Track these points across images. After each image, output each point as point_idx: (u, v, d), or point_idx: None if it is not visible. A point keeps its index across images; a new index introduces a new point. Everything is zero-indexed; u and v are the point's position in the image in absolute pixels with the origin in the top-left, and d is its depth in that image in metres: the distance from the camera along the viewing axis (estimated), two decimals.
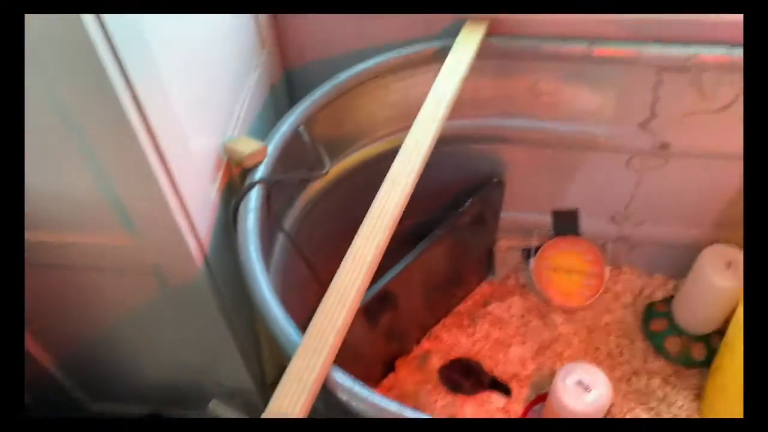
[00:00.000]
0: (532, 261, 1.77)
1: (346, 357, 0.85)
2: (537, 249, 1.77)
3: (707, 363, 1.64)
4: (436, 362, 1.68)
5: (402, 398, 1.65)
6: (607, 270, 1.73)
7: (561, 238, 1.75)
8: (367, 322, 1.48)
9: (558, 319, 1.75)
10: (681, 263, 1.73)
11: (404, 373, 1.68)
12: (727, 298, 1.54)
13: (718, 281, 1.51)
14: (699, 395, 1.60)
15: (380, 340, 1.61)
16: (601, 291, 1.72)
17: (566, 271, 1.74)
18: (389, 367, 1.70)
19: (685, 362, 1.65)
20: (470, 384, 1.66)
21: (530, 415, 1.64)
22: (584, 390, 1.40)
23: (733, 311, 1.55)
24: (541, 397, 1.65)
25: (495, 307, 1.79)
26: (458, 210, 1.55)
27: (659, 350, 1.68)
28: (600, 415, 1.41)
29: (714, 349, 1.63)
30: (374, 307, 1.46)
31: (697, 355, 1.66)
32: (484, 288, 1.85)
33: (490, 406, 1.65)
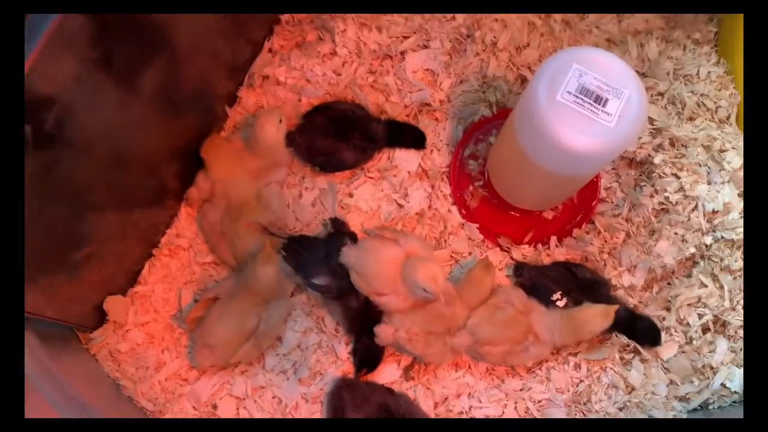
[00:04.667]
0: None
1: None
2: None
3: None
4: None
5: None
6: None
7: None
8: None
9: None
10: None
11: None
12: None
13: None
14: None
15: None
16: None
17: None
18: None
19: None
20: (353, 149, 0.89)
21: (459, 164, 0.93)
22: (595, 104, 0.67)
23: None
24: (477, 127, 0.93)
25: None
26: None
27: None
28: (620, 149, 0.71)
29: None
30: None
31: None
32: None
33: (393, 177, 0.92)
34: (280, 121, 0.84)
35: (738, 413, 0.81)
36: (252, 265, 0.80)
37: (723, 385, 0.82)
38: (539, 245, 0.90)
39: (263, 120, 0.84)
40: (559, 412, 0.81)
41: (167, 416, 0.81)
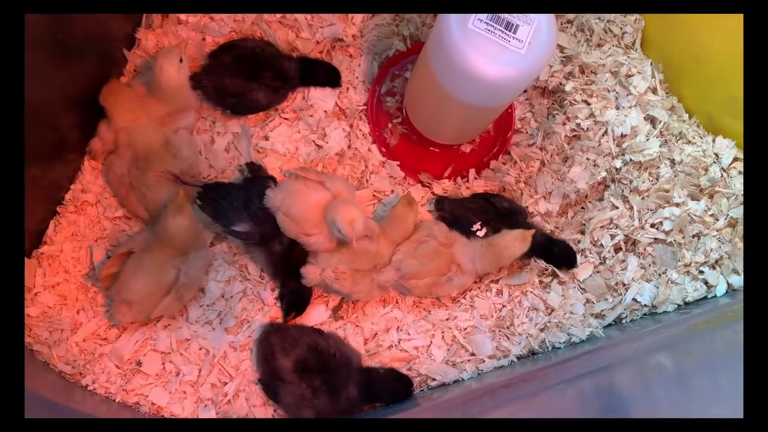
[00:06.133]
0: None
1: None
2: None
3: None
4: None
5: None
6: None
7: None
8: None
9: None
10: None
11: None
12: None
13: None
14: None
15: None
16: None
17: None
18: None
19: None
20: (265, 89, 0.85)
21: (376, 102, 0.91)
22: (506, 31, 0.67)
23: None
24: (392, 63, 0.92)
25: None
26: None
27: None
28: (532, 76, 0.71)
29: None
30: None
31: None
32: None
33: (310, 118, 0.89)
34: (181, 60, 0.78)
35: (648, 324, 0.86)
36: (163, 217, 0.76)
37: (634, 299, 0.87)
38: (459, 179, 0.91)
39: (162, 61, 0.78)
40: (484, 338, 0.84)
41: (87, 378, 0.78)
